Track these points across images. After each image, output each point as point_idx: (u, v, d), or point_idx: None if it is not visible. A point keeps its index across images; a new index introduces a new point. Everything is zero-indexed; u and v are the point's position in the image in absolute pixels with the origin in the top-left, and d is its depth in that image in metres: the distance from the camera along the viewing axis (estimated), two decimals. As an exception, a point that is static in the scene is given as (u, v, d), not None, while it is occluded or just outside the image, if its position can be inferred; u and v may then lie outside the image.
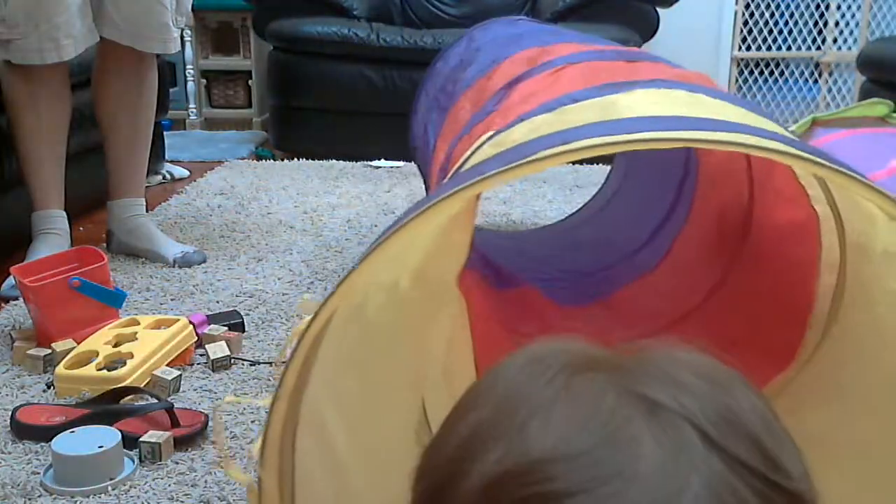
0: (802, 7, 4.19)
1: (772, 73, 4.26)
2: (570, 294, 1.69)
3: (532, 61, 1.23)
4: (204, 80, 4.21)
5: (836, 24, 4.16)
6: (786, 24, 4.19)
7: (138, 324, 1.62)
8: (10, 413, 1.37)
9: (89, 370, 1.48)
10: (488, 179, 0.70)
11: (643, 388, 0.39)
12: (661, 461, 0.36)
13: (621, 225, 2.03)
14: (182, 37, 3.75)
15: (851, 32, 4.15)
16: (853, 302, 1.11)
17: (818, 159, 0.71)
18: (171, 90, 3.24)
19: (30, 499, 1.20)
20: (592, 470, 0.36)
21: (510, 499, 0.37)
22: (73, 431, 1.27)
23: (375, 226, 2.43)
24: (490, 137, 0.95)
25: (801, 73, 4.27)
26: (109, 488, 1.21)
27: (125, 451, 1.26)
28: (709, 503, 0.36)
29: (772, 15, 4.18)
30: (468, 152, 0.98)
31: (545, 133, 0.83)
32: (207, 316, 1.71)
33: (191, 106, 4.13)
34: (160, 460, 1.27)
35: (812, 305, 1.20)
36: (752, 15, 4.18)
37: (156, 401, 1.39)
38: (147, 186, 2.36)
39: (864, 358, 1.05)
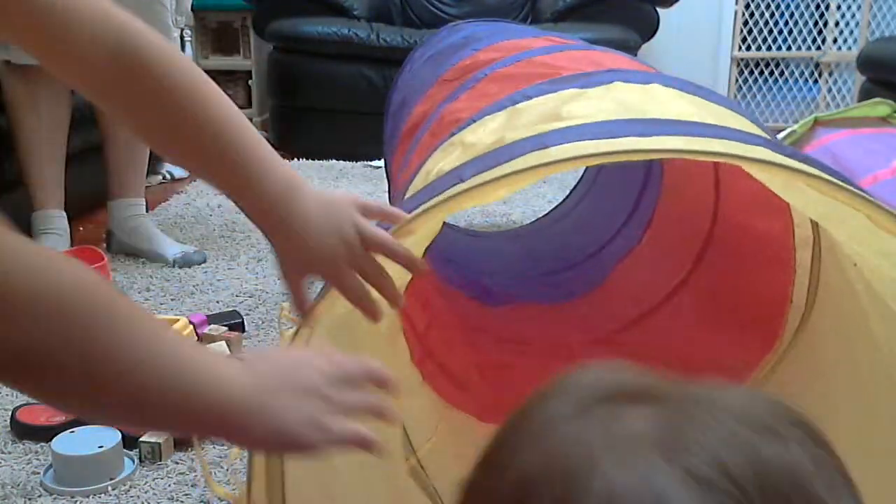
0: (802, 7, 4.18)
1: (772, 73, 4.26)
2: (559, 292, 1.70)
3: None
4: (204, 80, 4.20)
5: (836, 24, 4.16)
6: (786, 24, 4.19)
7: (138, 324, 1.62)
8: (10, 413, 1.37)
9: (89, 370, 1.48)
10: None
11: (691, 460, 0.38)
12: None
13: (597, 216, 2.03)
14: (182, 37, 3.75)
15: (851, 32, 4.15)
16: (829, 281, 1.11)
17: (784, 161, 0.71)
18: (170, 90, 3.23)
19: (30, 499, 1.19)
20: None
21: None
22: (73, 431, 1.27)
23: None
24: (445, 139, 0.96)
25: (801, 73, 4.27)
26: (109, 488, 1.21)
27: (125, 451, 1.26)
28: None
29: (772, 15, 4.18)
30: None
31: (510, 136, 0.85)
32: (207, 316, 1.71)
33: (191, 106, 4.12)
34: (160, 460, 1.27)
35: (791, 283, 1.19)
36: (752, 15, 4.18)
37: (156, 401, 1.39)
38: (147, 186, 2.36)
39: (844, 342, 1.05)
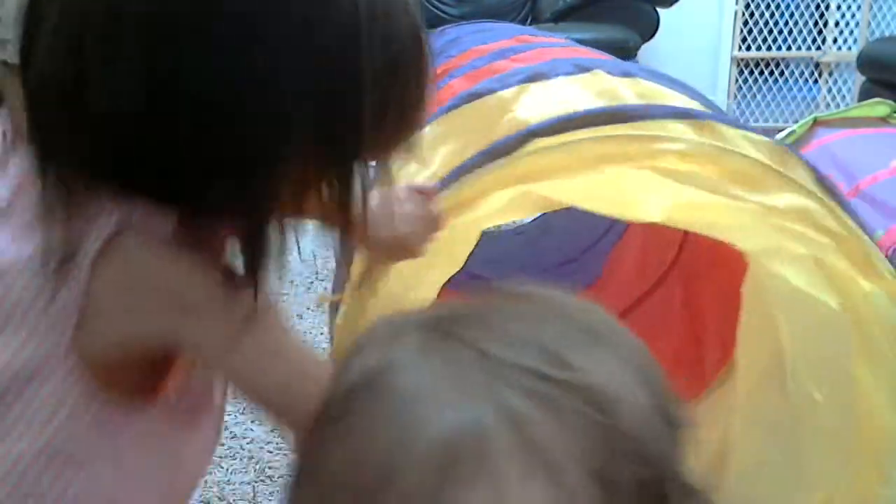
0: (802, 7, 4.18)
1: (772, 73, 4.26)
2: (562, 286, 1.69)
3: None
4: (204, 80, 4.20)
5: (836, 24, 4.16)
6: (786, 24, 4.18)
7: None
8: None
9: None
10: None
11: (467, 336, 0.39)
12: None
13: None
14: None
15: (851, 32, 4.15)
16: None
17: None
18: (170, 90, 3.23)
19: (29, 499, 1.19)
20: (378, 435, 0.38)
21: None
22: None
23: (375, 226, 2.42)
24: None
25: (801, 73, 4.27)
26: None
27: (125, 451, 1.26)
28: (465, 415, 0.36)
29: (772, 15, 4.18)
30: None
31: None
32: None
33: (190, 106, 4.12)
34: (160, 460, 1.27)
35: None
36: (752, 15, 4.18)
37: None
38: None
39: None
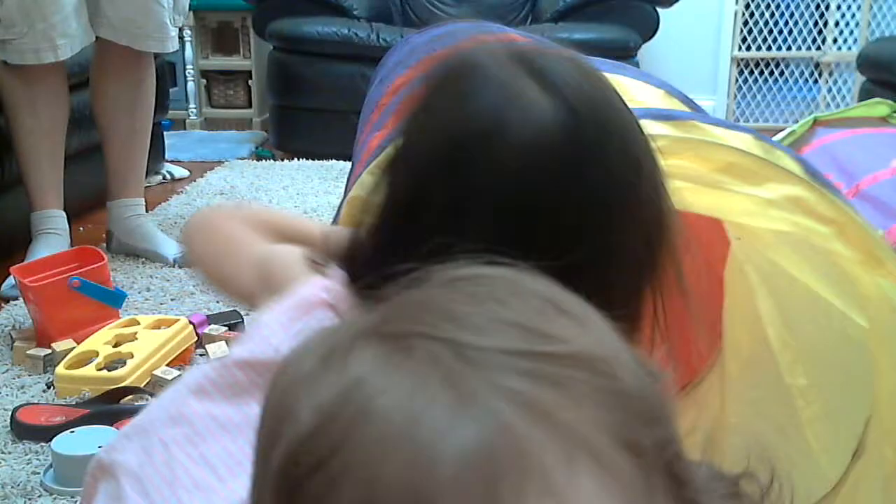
0: (802, 7, 4.18)
1: (772, 73, 4.26)
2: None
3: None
4: (204, 80, 4.20)
5: (836, 24, 4.16)
6: (786, 24, 4.18)
7: (138, 324, 1.62)
8: (10, 413, 1.37)
9: (89, 370, 1.48)
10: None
11: (399, 327, 0.35)
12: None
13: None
14: (182, 37, 3.74)
15: (851, 32, 4.15)
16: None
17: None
18: (171, 90, 3.23)
19: (30, 499, 1.19)
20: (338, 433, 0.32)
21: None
22: (72, 431, 1.27)
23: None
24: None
25: (801, 73, 4.27)
26: (109, 488, 1.21)
27: (125, 451, 1.26)
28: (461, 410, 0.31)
29: (772, 15, 4.18)
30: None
31: None
32: (207, 316, 1.71)
33: (191, 106, 4.13)
34: (160, 460, 1.27)
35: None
36: (752, 15, 4.18)
37: (156, 401, 1.39)
38: (147, 186, 2.36)
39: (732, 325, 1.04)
